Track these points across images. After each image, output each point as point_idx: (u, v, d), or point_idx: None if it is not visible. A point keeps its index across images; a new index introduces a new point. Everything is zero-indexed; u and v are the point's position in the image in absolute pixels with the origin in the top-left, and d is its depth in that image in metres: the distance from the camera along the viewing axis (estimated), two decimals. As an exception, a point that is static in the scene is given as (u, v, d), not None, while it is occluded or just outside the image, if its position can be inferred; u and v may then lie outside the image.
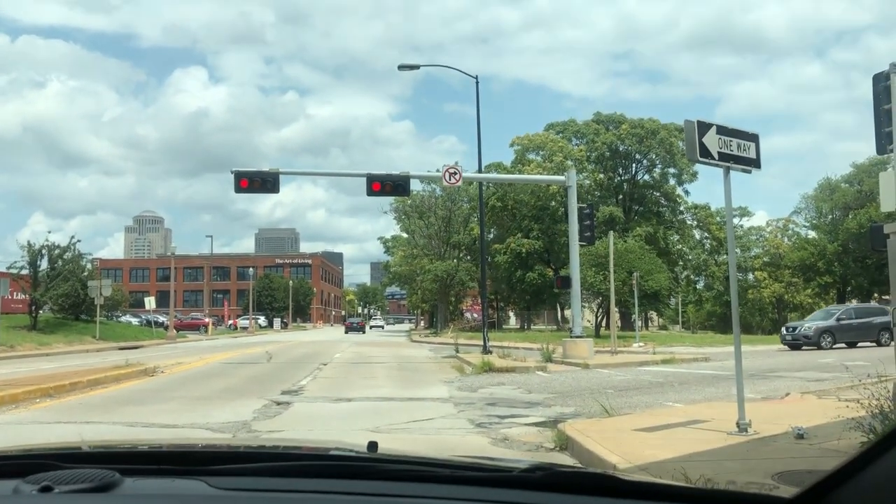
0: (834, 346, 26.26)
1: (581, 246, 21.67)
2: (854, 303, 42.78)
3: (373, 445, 1.59)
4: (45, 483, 1.17)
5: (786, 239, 63.70)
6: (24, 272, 36.46)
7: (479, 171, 25.82)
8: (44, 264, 36.97)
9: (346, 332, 67.01)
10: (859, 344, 26.36)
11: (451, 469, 1.31)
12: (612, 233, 24.48)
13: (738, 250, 65.53)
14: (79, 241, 39.23)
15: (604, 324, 42.70)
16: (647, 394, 12.84)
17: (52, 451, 1.47)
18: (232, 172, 20.47)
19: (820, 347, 26.13)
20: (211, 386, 14.69)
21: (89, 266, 42.04)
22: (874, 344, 25.74)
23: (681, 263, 61.11)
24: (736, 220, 65.48)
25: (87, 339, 35.66)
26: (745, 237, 67.00)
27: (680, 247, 60.80)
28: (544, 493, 1.16)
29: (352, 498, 1.18)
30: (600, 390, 13.35)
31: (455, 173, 20.90)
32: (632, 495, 1.18)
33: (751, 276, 63.83)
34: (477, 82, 25.38)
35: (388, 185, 20.48)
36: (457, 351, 24.71)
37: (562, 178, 24.35)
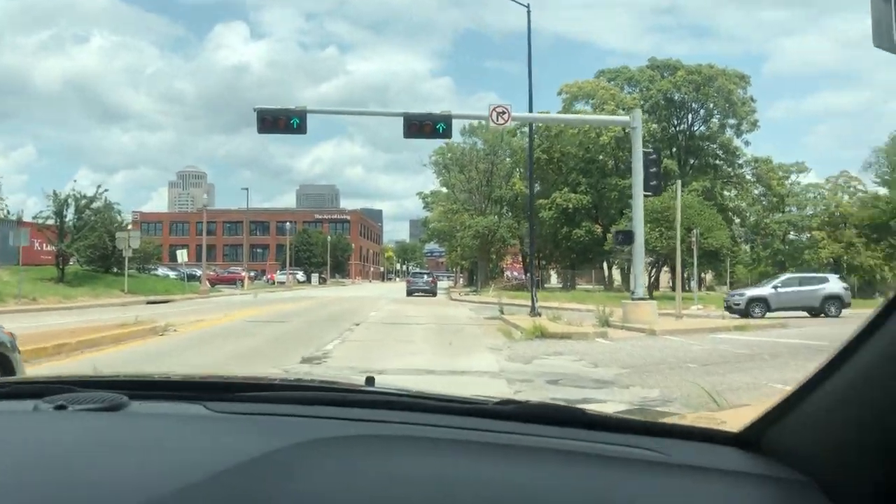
0: None
1: (646, 197, 19.21)
2: None
3: (370, 380, 1.65)
4: (61, 402, 1.30)
5: (846, 196, 59.76)
6: (51, 222, 35.17)
7: (530, 110, 23.19)
8: (70, 214, 35.61)
9: (409, 295, 45.21)
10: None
11: (436, 401, 1.44)
12: (678, 182, 21.89)
13: (793, 208, 62.07)
14: (106, 190, 37.47)
15: (657, 285, 40.25)
16: (740, 370, 10.57)
17: (71, 379, 1.57)
18: (255, 110, 18.36)
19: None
20: (222, 349, 12.82)
21: (119, 217, 40.55)
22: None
23: (737, 220, 57.72)
24: (792, 177, 62.03)
25: (115, 293, 34.30)
26: (802, 195, 63.09)
27: (737, 203, 57.43)
28: (513, 423, 1.29)
29: (342, 422, 1.27)
30: (680, 364, 11.16)
31: (503, 112, 18.50)
32: (593, 427, 1.27)
33: (805, 236, 60.44)
34: (528, 10, 22.71)
35: (426, 126, 18.17)
36: (501, 312, 22.57)
37: (625, 118, 21.75)
